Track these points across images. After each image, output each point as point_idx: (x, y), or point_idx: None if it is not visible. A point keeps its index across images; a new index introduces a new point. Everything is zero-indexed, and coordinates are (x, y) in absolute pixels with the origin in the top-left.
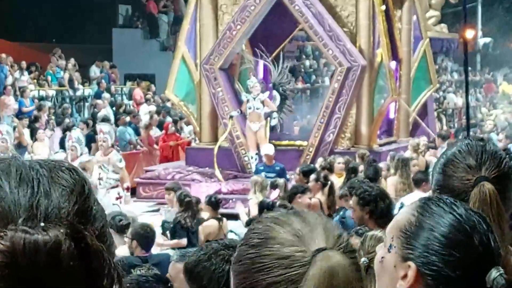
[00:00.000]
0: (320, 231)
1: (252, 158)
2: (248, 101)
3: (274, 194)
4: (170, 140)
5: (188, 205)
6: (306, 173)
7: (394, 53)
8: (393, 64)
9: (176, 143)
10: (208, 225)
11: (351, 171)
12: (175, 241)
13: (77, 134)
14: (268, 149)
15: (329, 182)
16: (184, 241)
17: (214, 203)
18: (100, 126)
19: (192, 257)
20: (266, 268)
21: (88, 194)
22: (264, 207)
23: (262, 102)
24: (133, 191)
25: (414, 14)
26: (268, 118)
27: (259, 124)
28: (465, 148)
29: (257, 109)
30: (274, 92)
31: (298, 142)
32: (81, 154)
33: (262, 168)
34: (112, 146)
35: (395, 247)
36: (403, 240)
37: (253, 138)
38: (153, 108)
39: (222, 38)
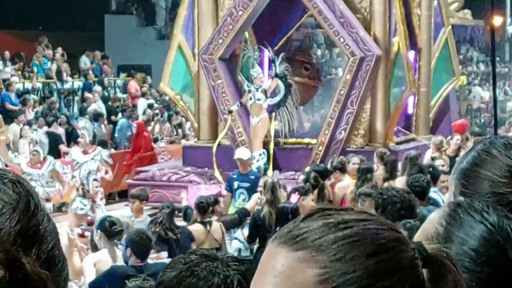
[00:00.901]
0: None
1: (254, 158)
2: (249, 91)
3: (295, 198)
4: (140, 143)
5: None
6: (321, 174)
7: (412, 42)
8: (411, 54)
9: (139, 155)
10: (192, 230)
11: (365, 171)
12: (153, 255)
13: (83, 122)
14: (241, 153)
15: (320, 184)
16: (164, 254)
17: (201, 207)
18: (78, 122)
19: (171, 273)
20: None
21: (34, 211)
22: (286, 212)
23: (265, 92)
24: (124, 194)
25: None
26: (273, 113)
27: (258, 117)
28: (500, 146)
29: (258, 100)
30: (280, 83)
31: (306, 140)
32: (90, 141)
33: (235, 176)
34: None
35: None
36: None
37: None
38: (152, 102)
39: (222, 26)
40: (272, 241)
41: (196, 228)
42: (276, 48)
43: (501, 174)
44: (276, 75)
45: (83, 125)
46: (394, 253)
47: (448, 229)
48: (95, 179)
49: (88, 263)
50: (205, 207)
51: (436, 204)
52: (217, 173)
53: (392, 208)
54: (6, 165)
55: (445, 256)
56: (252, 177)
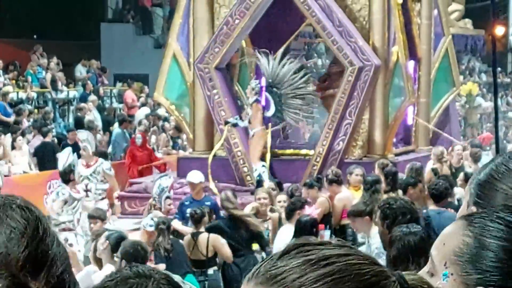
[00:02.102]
0: None
1: (256, 170)
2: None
3: (310, 210)
4: (137, 155)
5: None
6: (334, 181)
7: (412, 52)
8: (411, 63)
9: (144, 166)
10: (184, 241)
11: (374, 183)
12: (152, 267)
13: (85, 135)
14: (192, 176)
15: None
16: (162, 266)
17: (195, 217)
18: (77, 135)
19: (97, 284)
20: None
21: (43, 237)
22: (307, 225)
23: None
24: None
25: (435, 8)
26: (269, 124)
27: (253, 130)
28: None
29: (248, 114)
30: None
31: (304, 151)
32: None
33: (187, 203)
34: (96, 153)
35: (452, 274)
36: (463, 265)
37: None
38: (160, 111)
39: (218, 34)
40: (248, 281)
41: (186, 239)
42: (273, 57)
43: None
44: (267, 89)
45: (84, 137)
46: None
47: (479, 238)
48: (167, 197)
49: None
50: (198, 218)
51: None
52: (212, 185)
53: (402, 218)
54: None
55: (425, 286)
56: (208, 203)
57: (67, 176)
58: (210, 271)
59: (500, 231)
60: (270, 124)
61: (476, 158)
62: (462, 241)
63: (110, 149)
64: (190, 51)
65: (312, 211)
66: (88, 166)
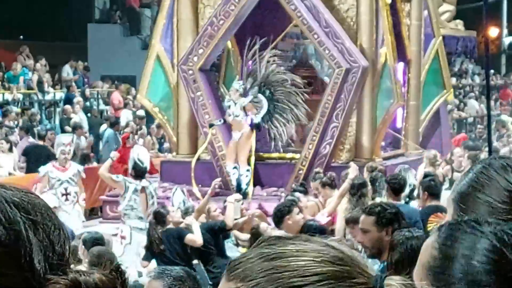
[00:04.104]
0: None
1: (230, 172)
2: (229, 106)
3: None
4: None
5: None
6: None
7: (401, 53)
8: (400, 65)
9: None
10: None
11: (360, 186)
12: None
13: (69, 139)
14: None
15: None
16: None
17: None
18: (63, 139)
19: None
20: None
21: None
22: (314, 230)
23: (244, 108)
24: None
25: (425, 8)
26: (255, 129)
27: (240, 132)
28: (499, 168)
29: (236, 116)
30: (261, 97)
31: (289, 155)
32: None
33: None
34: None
35: None
36: (432, 278)
37: (233, 149)
38: (140, 113)
39: (202, 35)
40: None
41: None
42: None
43: (500, 199)
44: (260, 91)
45: (67, 141)
46: None
47: (444, 250)
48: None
49: None
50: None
51: None
52: (195, 189)
53: (403, 222)
54: None
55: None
56: None
57: None
58: None
59: (464, 241)
60: (254, 126)
61: (475, 161)
62: (430, 254)
63: (100, 150)
64: (174, 52)
65: (320, 218)
66: (64, 170)
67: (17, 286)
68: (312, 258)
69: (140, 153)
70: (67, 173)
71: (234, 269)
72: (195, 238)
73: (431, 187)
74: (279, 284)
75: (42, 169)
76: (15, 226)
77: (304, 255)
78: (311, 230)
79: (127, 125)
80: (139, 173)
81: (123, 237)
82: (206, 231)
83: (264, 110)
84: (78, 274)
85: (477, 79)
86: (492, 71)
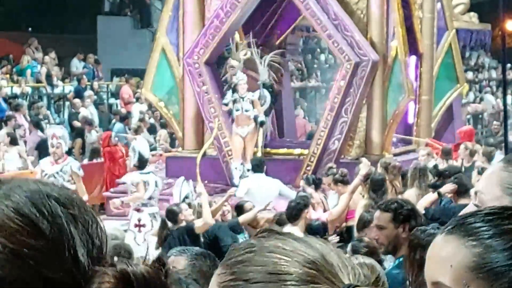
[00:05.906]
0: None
1: (236, 169)
2: (235, 101)
3: (318, 214)
4: (112, 155)
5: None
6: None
7: (412, 47)
8: (412, 59)
9: None
10: None
11: (380, 182)
12: None
13: (61, 131)
14: None
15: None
16: None
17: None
18: (53, 130)
19: None
20: None
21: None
22: (319, 230)
23: (252, 103)
24: (101, 207)
25: (438, 1)
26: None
27: (248, 127)
28: None
29: (246, 111)
30: (265, 92)
31: (298, 151)
32: (66, 152)
33: None
34: (67, 152)
35: None
36: (486, 277)
37: (240, 146)
38: (145, 108)
39: (208, 28)
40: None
41: None
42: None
43: None
44: (264, 85)
45: (60, 134)
46: None
47: (484, 243)
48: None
49: None
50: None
51: None
52: (200, 186)
53: (419, 219)
54: None
55: None
56: None
57: None
58: None
59: (494, 228)
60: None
61: (489, 157)
62: (471, 253)
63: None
64: (179, 46)
65: (319, 215)
66: (55, 163)
67: (62, 279)
68: (284, 257)
69: (141, 145)
70: (55, 167)
71: (227, 256)
72: (205, 220)
73: (464, 185)
74: (250, 277)
75: (41, 163)
76: (58, 220)
77: (280, 253)
78: (316, 229)
79: (141, 119)
80: (143, 164)
81: (142, 225)
82: (230, 229)
83: (267, 105)
84: (126, 265)
85: (494, 74)
86: (509, 65)
